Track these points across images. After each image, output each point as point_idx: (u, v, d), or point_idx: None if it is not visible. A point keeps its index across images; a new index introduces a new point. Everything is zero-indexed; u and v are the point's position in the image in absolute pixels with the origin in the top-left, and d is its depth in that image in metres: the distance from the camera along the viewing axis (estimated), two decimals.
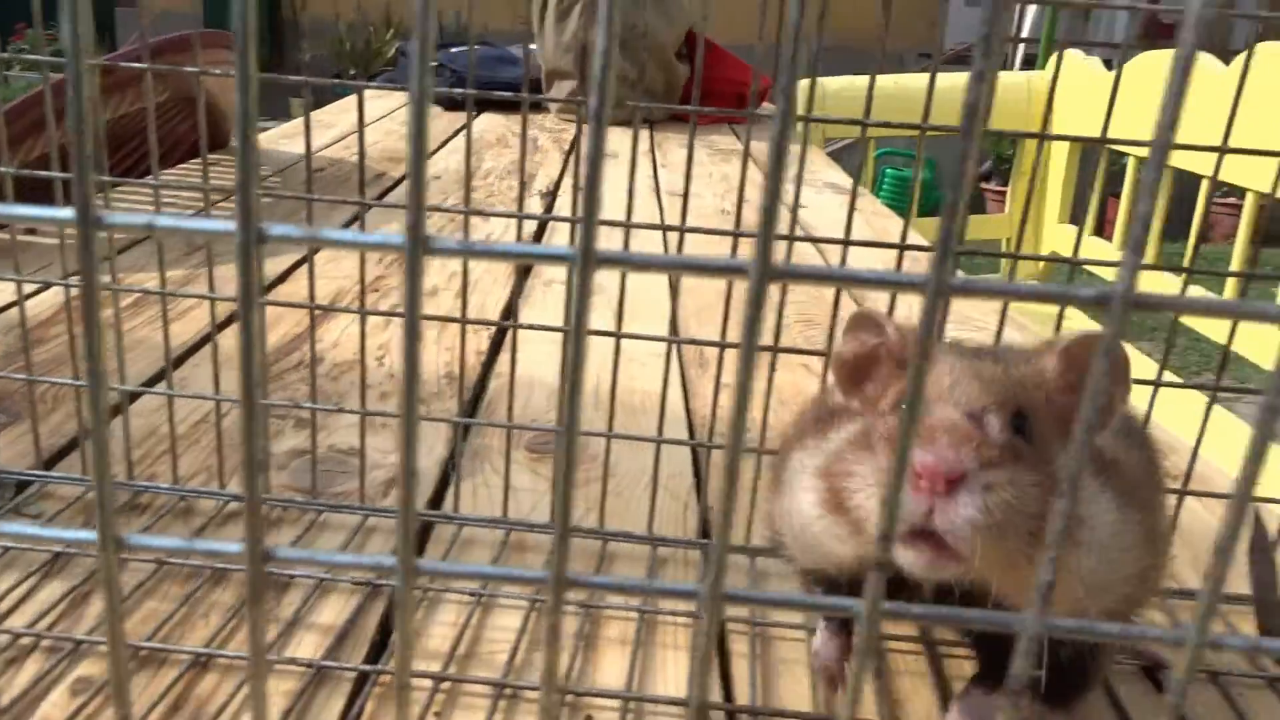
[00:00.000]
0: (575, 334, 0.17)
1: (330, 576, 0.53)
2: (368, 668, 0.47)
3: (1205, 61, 1.43)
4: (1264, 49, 1.35)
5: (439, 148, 1.89)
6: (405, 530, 0.17)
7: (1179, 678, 0.18)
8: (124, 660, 0.18)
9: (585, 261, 0.16)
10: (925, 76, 0.52)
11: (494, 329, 0.95)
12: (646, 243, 1.16)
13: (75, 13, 0.15)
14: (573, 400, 0.17)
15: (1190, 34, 0.15)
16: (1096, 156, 1.83)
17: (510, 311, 1.07)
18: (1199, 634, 0.18)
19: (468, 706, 0.45)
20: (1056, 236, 2.02)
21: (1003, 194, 3.17)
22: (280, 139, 1.81)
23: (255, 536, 0.17)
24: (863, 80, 1.80)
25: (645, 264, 0.16)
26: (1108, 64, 1.96)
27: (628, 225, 0.55)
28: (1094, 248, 1.88)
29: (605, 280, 0.80)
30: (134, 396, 0.71)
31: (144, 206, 1.30)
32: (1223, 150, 0.53)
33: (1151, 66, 1.63)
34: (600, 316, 0.84)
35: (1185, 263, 0.59)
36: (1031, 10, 4.29)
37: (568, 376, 0.17)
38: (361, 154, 0.58)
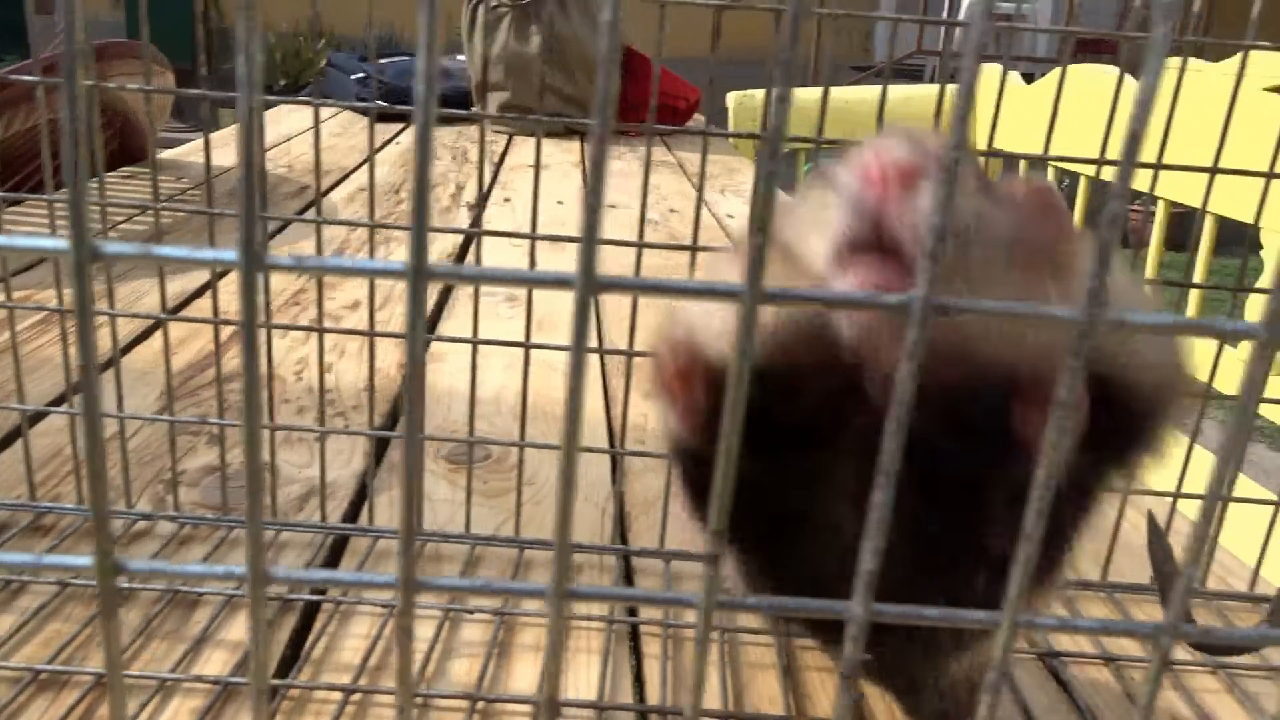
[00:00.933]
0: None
1: (240, 593, 0.53)
2: (276, 682, 0.46)
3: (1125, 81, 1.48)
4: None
5: (364, 161, 1.88)
6: (255, 537, 0.18)
7: (996, 656, 0.20)
8: None
9: (417, 277, 0.17)
10: (861, 89, 0.54)
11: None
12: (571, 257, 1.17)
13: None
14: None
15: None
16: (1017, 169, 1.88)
17: (434, 324, 1.07)
18: (1009, 616, 0.19)
19: (377, 718, 0.46)
20: None
21: None
22: (199, 151, 1.78)
23: (105, 549, 0.18)
24: (803, 93, 1.83)
25: (476, 277, 0.17)
26: (1028, 78, 2.02)
27: (531, 238, 0.56)
28: None
29: (520, 290, 0.80)
30: (36, 418, 0.70)
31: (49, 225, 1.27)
32: (1158, 167, 0.55)
33: (1073, 81, 1.69)
34: (518, 326, 0.84)
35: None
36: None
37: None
38: (252, 166, 0.57)
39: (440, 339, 0.62)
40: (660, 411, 0.33)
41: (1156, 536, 0.62)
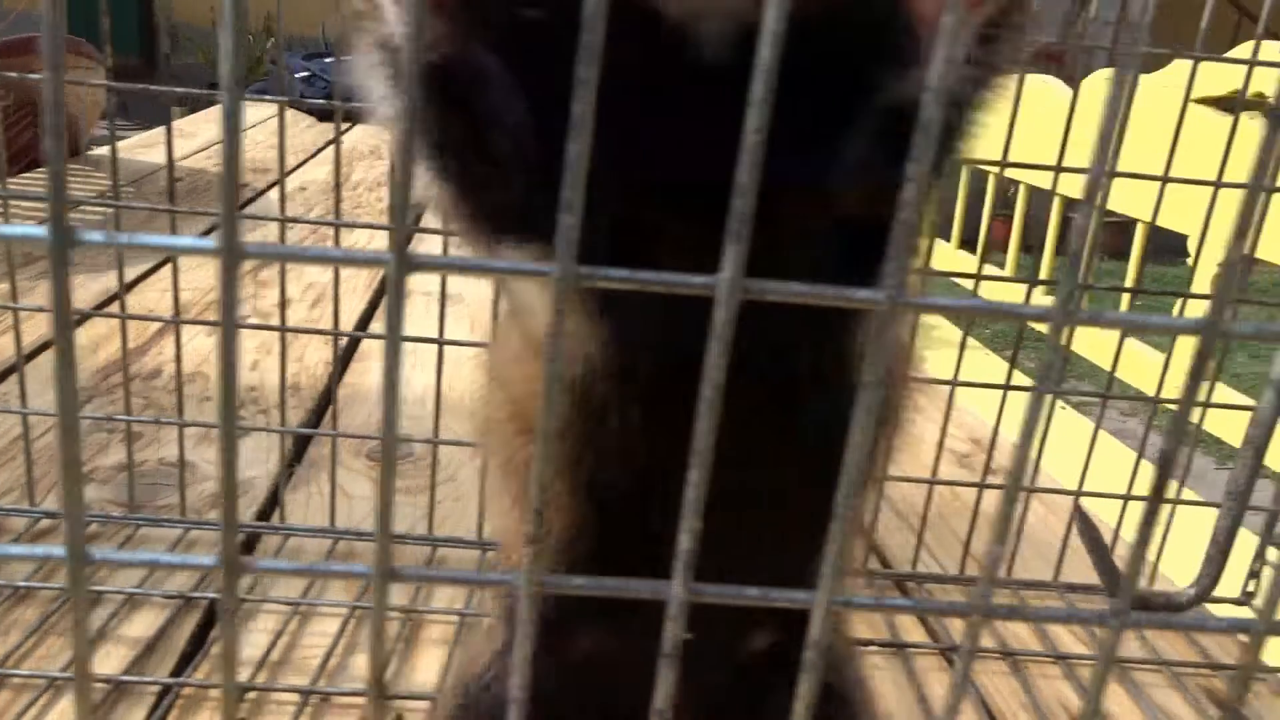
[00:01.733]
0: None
1: (142, 591, 0.53)
2: (169, 680, 0.46)
3: (1056, 88, 1.50)
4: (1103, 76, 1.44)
5: (308, 159, 1.86)
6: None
7: (813, 639, 0.20)
8: None
9: (230, 255, 0.17)
10: None
11: (345, 340, 0.94)
12: None
13: None
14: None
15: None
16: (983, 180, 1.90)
17: (366, 322, 1.07)
18: (825, 595, 0.20)
19: (274, 713, 0.45)
20: (950, 259, 2.09)
21: None
22: (138, 148, 1.76)
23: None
24: None
25: (288, 255, 0.17)
26: None
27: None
28: (950, 259, 1.96)
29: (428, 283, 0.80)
30: None
31: None
32: (1058, 168, 0.57)
33: (1030, 92, 1.71)
34: (461, 327, 0.84)
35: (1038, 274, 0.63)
36: None
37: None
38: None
39: (355, 335, 0.62)
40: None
41: (1086, 526, 0.64)
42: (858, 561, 0.35)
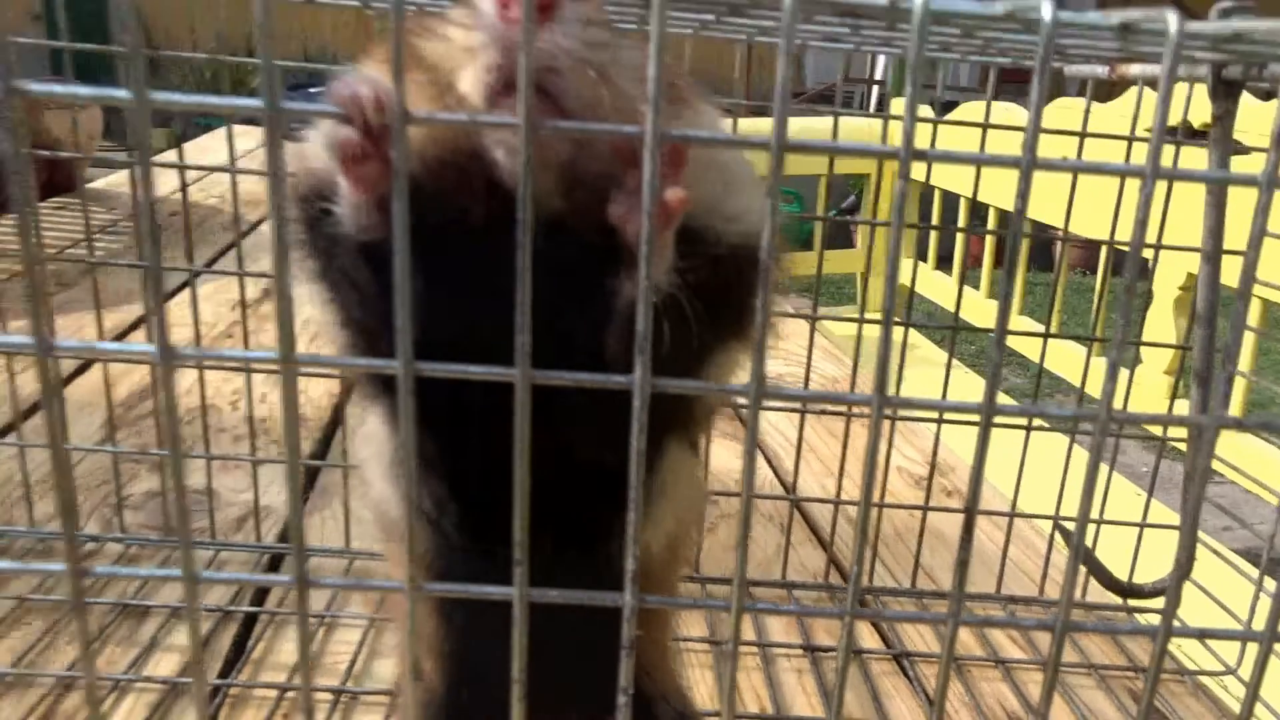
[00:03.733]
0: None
1: (183, 605, 0.59)
2: (219, 681, 0.53)
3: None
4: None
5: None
6: (300, 553, 0.25)
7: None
8: None
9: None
10: (797, 120, 0.61)
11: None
12: None
13: None
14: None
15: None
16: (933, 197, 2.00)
17: None
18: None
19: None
20: (904, 269, 2.19)
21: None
22: (128, 182, 1.81)
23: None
24: (746, 124, 1.92)
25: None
26: (948, 107, 2.15)
27: None
28: (928, 279, 2.06)
29: None
30: None
31: None
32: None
33: (995, 113, 1.81)
34: None
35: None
36: (883, 56, 4.57)
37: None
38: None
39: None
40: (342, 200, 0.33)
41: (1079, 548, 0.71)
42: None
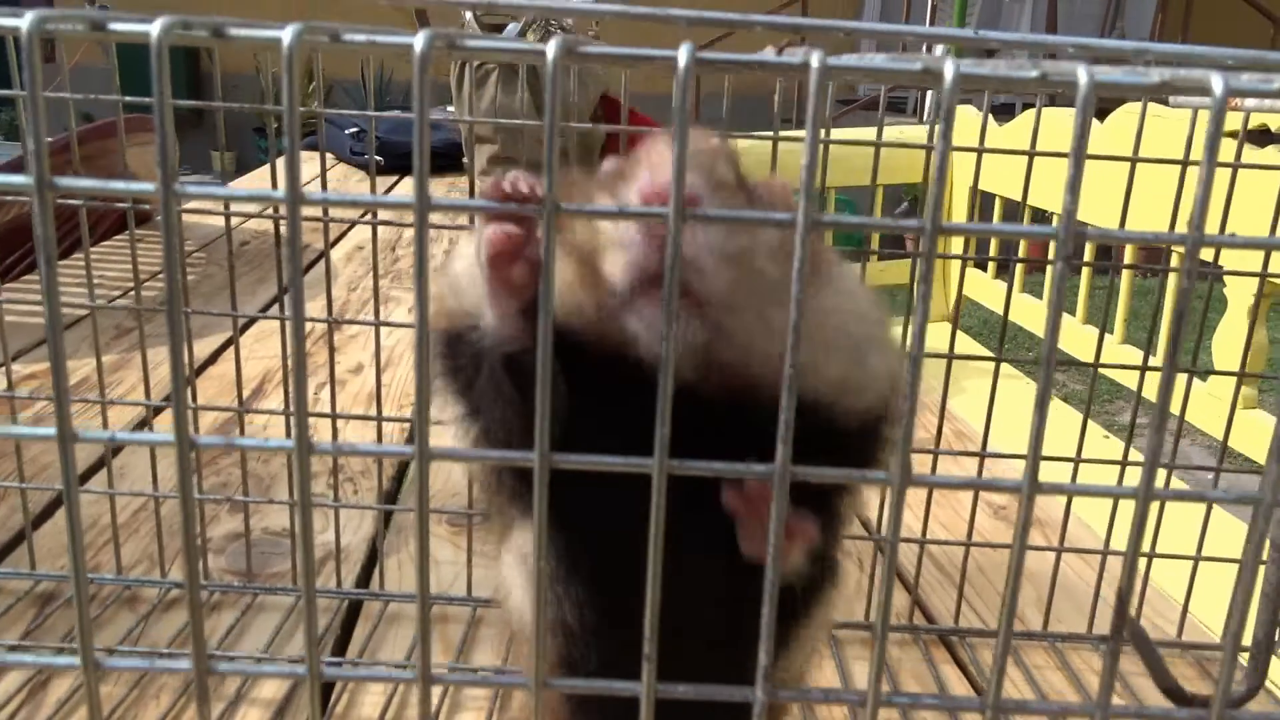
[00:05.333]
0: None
1: (269, 655, 0.59)
2: None
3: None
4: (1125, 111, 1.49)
5: (364, 214, 1.94)
6: (423, 640, 0.25)
7: None
8: None
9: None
10: (850, 131, 0.60)
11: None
12: None
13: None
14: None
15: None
16: (987, 203, 1.96)
17: None
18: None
19: None
20: (953, 271, 2.15)
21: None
22: (204, 210, 1.85)
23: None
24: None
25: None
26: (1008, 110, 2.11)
27: None
28: (983, 286, 2.02)
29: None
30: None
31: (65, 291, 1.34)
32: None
33: (1045, 122, 1.77)
34: None
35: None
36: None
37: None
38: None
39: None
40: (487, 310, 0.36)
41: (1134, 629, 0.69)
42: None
